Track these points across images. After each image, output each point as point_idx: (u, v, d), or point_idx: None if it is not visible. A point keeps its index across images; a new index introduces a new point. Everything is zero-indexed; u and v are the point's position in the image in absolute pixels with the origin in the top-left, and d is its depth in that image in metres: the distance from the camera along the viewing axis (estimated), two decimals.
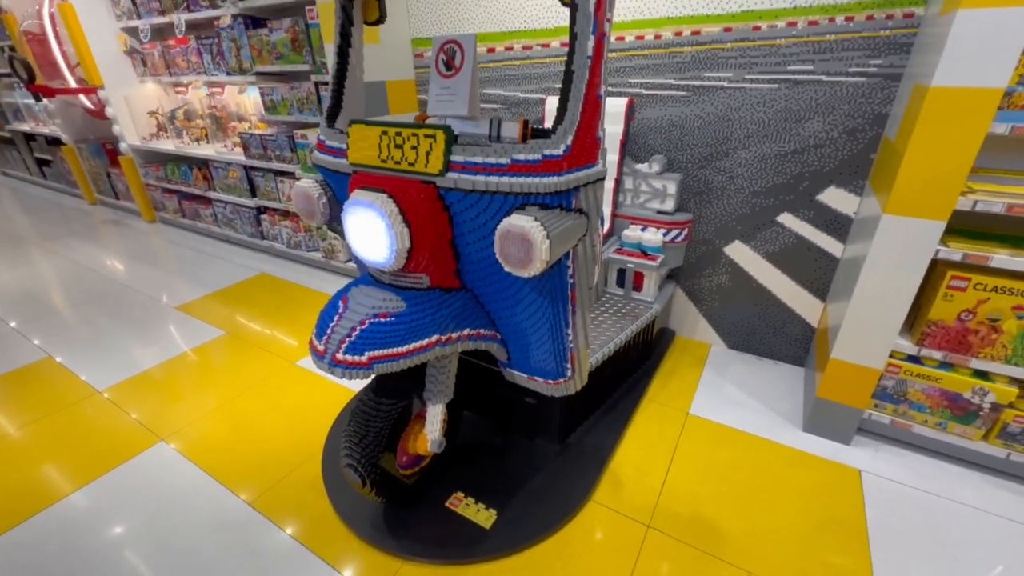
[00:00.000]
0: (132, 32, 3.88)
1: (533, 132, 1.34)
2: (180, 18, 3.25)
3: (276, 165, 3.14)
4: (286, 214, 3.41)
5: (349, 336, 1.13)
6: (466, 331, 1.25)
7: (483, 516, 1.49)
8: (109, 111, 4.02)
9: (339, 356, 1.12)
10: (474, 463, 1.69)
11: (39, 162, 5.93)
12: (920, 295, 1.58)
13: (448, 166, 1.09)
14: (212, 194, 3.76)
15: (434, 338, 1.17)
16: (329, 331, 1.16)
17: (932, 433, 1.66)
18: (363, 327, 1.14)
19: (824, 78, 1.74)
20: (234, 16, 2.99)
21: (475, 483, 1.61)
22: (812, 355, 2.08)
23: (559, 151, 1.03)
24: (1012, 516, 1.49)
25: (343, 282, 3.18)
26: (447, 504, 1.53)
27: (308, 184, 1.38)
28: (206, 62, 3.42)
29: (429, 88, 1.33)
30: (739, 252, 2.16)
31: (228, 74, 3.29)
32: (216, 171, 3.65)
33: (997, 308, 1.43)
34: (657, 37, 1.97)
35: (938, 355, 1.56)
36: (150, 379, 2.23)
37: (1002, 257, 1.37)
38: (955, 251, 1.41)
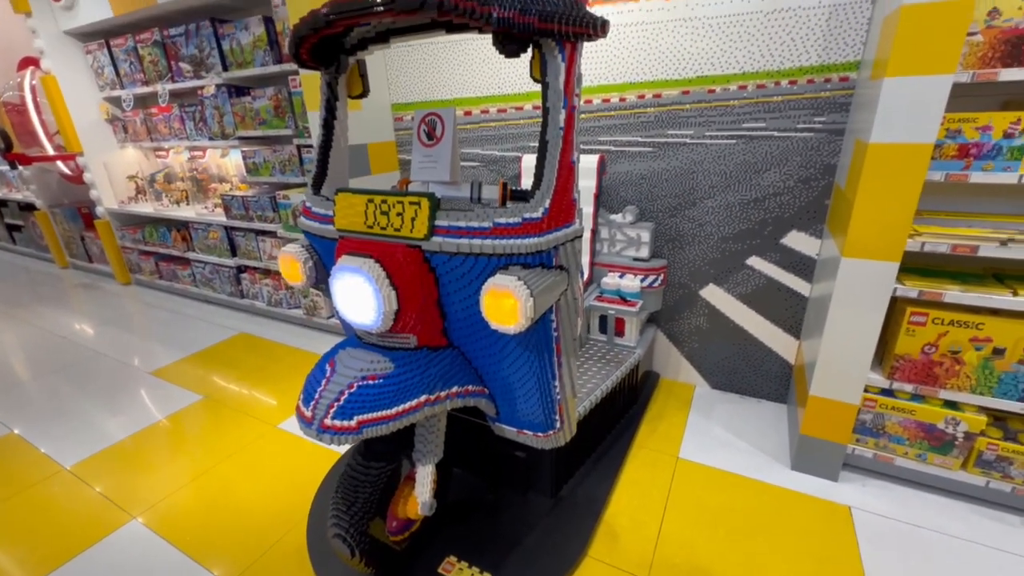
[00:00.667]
0: (114, 101, 3.96)
1: (512, 193, 1.42)
2: (164, 88, 3.35)
3: (258, 225, 3.17)
4: (267, 272, 3.41)
5: (337, 400, 1.13)
6: (454, 389, 1.26)
7: None
8: (87, 176, 4.03)
9: (327, 422, 1.11)
10: (466, 523, 1.65)
11: (9, 227, 5.82)
12: (886, 330, 1.66)
13: (433, 230, 1.14)
14: (191, 255, 3.75)
15: (423, 398, 1.18)
16: (317, 396, 1.16)
17: (914, 465, 1.69)
18: (351, 390, 1.14)
19: (776, 134, 1.90)
20: (218, 86, 3.11)
21: (468, 545, 1.56)
22: (792, 392, 2.13)
23: (538, 214, 1.10)
24: (1001, 546, 1.51)
25: (325, 339, 3.15)
26: (440, 570, 1.48)
27: (294, 249, 1.41)
28: (188, 128, 3.50)
29: (412, 155, 1.40)
30: (714, 294, 2.24)
31: (210, 139, 3.37)
32: (196, 232, 3.65)
33: (956, 341, 1.52)
34: (622, 100, 2.13)
35: (909, 388, 1.62)
36: (122, 451, 2.13)
37: (954, 293, 1.47)
38: (911, 289, 1.51)
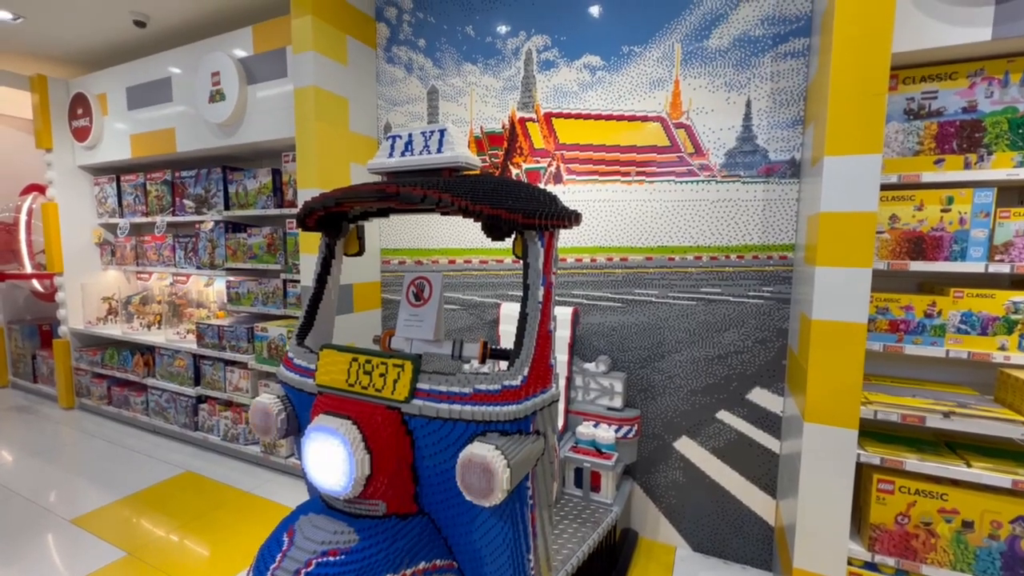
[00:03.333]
0: (110, 227, 4.11)
1: (491, 352, 1.49)
2: (163, 220, 3.53)
3: (229, 355, 3.12)
4: (228, 404, 3.25)
5: None
6: (421, 565, 1.17)
7: None
8: (59, 296, 3.99)
9: None
10: None
11: None
12: (858, 497, 1.67)
13: (414, 393, 1.17)
14: (150, 380, 3.57)
15: None
16: (270, 573, 1.05)
17: None
18: (308, 570, 1.05)
19: (731, 299, 2.11)
20: (216, 222, 3.30)
21: None
22: (776, 559, 2.02)
23: (517, 382, 1.15)
24: None
25: (280, 480, 2.90)
26: None
27: (268, 400, 1.40)
28: (178, 256, 3.61)
29: (399, 313, 1.48)
30: (688, 447, 2.24)
31: (198, 268, 3.47)
32: (161, 358, 3.54)
33: (926, 512, 1.53)
34: (593, 260, 2.36)
35: (891, 562, 1.58)
36: None
37: (913, 461, 1.52)
38: (874, 456, 1.56)
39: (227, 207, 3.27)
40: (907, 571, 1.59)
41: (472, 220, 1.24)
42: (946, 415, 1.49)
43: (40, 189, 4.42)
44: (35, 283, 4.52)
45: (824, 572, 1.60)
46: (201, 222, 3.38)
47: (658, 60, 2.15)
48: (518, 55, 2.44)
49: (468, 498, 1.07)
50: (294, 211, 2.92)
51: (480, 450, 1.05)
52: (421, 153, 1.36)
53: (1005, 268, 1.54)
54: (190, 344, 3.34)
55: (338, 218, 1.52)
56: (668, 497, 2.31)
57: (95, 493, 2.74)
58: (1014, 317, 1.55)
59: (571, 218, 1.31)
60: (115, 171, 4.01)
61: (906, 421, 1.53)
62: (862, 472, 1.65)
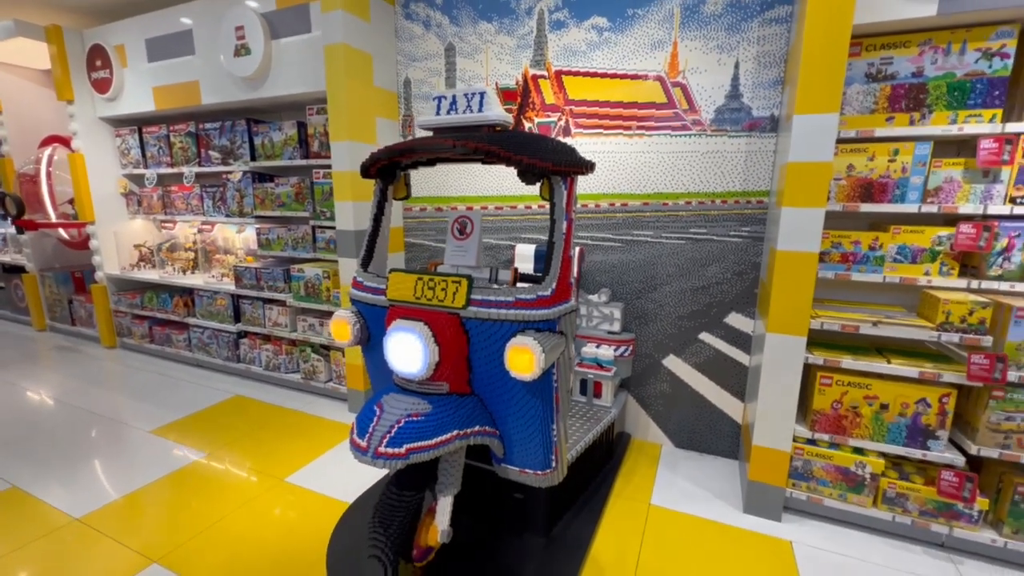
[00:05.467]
0: (134, 178, 4.31)
1: (521, 276, 1.86)
2: (191, 170, 3.76)
3: (267, 294, 3.46)
4: (267, 338, 3.63)
5: (389, 432, 1.43)
6: (476, 428, 1.59)
7: None
8: (93, 243, 4.25)
9: (381, 449, 1.41)
10: (472, 560, 1.86)
11: None
12: (805, 391, 2.11)
13: (469, 302, 1.54)
14: (191, 319, 3.93)
15: (455, 432, 1.49)
16: (371, 429, 1.46)
17: (838, 504, 2.07)
18: (400, 425, 1.45)
19: (715, 238, 2.47)
20: (244, 172, 3.54)
21: None
22: (742, 449, 2.51)
23: (547, 292, 1.52)
24: (912, 569, 1.86)
25: (321, 403, 3.33)
26: None
27: (345, 314, 1.76)
28: (207, 206, 3.87)
29: (446, 245, 1.83)
30: (674, 364, 2.68)
31: (227, 216, 3.74)
32: (201, 299, 3.88)
33: (854, 398, 1.98)
34: (597, 206, 2.69)
35: (826, 437, 2.05)
36: (131, 503, 2.22)
37: (848, 361, 1.96)
38: (818, 357, 1.99)
39: (253, 158, 3.50)
40: (838, 443, 2.06)
41: (512, 168, 1.56)
42: (874, 324, 1.91)
43: (60, 140, 4.56)
44: (62, 232, 4.74)
45: (776, 447, 2.08)
46: (229, 172, 3.62)
47: (659, 22, 2.39)
48: (531, 14, 2.65)
49: (513, 375, 1.46)
50: (320, 162, 3.18)
51: (522, 340, 1.43)
52: (464, 112, 1.65)
53: (934, 208, 1.90)
54: (228, 285, 3.67)
55: (394, 167, 1.82)
56: (656, 405, 2.78)
57: (161, 412, 3.16)
58: (937, 248, 1.94)
59: (588, 166, 1.63)
60: (136, 123, 4.17)
61: (844, 330, 1.94)
62: (809, 371, 2.09)
